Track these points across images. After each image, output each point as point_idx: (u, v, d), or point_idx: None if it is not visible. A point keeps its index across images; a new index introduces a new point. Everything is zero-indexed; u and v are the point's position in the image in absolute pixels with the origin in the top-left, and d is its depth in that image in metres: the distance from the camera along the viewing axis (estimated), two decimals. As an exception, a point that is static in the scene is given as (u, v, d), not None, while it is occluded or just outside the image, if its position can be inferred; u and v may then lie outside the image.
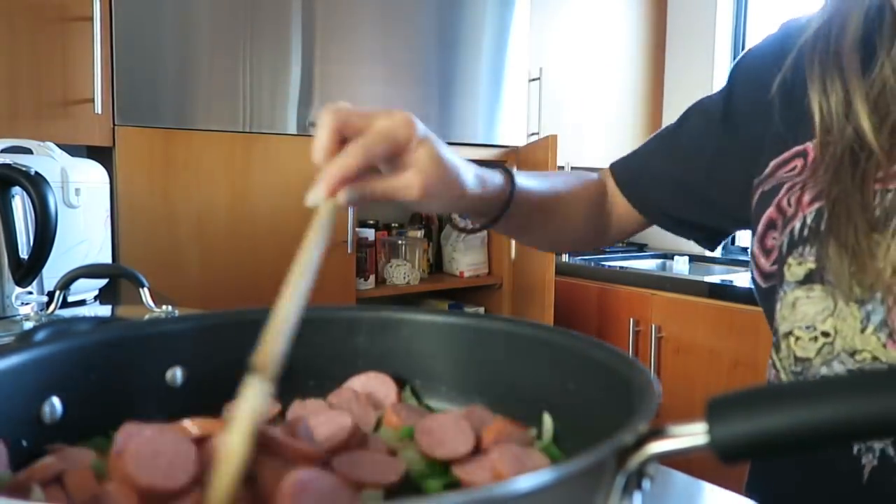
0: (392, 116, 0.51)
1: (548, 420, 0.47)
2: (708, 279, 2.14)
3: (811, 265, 0.55)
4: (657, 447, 0.31)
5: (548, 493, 0.27)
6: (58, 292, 0.90)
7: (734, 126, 0.69)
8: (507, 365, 0.50)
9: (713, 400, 0.33)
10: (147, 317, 0.88)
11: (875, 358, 0.51)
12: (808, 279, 0.55)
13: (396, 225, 2.33)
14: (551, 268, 2.22)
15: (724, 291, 2.04)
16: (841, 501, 0.58)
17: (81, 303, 1.18)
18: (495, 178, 0.64)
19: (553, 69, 2.43)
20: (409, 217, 2.43)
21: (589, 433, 0.37)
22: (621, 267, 2.43)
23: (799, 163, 0.60)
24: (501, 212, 0.65)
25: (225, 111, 1.74)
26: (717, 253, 2.63)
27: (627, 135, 2.74)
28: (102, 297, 1.28)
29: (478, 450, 0.43)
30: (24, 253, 0.97)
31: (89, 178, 1.21)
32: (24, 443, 0.41)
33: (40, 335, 0.47)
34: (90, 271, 0.99)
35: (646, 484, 0.32)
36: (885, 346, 0.51)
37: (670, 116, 2.81)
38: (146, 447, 0.35)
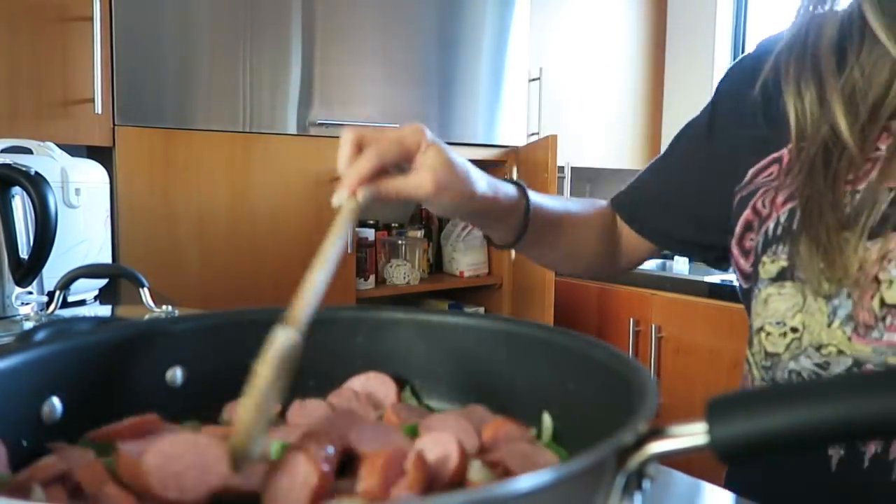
0: (405, 127, 0.56)
1: (547, 419, 0.47)
2: (708, 279, 2.14)
3: (783, 263, 0.58)
4: (657, 447, 0.31)
5: (548, 492, 0.27)
6: (58, 292, 0.90)
7: (719, 137, 0.72)
8: (507, 365, 0.50)
9: (713, 400, 0.33)
10: (147, 317, 0.88)
11: (840, 352, 0.54)
12: (780, 276, 0.58)
13: (396, 225, 2.33)
14: (551, 268, 2.22)
15: (723, 291, 2.04)
16: (809, 490, 0.59)
17: (81, 303, 1.18)
18: (507, 187, 0.67)
19: (553, 69, 2.43)
20: (409, 217, 2.43)
21: (589, 433, 0.37)
22: (621, 267, 2.43)
23: (775, 169, 0.63)
24: (524, 221, 0.68)
25: (225, 111, 1.74)
26: (717, 253, 2.62)
27: (627, 135, 2.74)
28: (102, 297, 1.28)
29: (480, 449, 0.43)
30: (24, 253, 0.97)
31: (89, 178, 1.21)
32: (24, 443, 0.41)
33: (40, 335, 0.47)
34: (90, 271, 0.99)
35: (646, 484, 0.32)
36: (850, 339, 0.53)
37: (670, 116, 2.82)
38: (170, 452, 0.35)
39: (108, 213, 1.25)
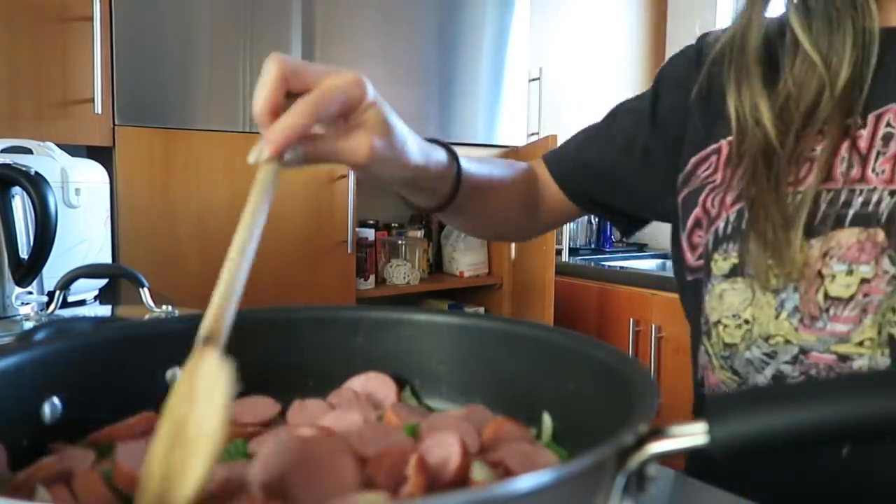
0: (342, 75, 0.48)
1: (547, 419, 0.47)
2: (708, 279, 2.14)
3: (734, 260, 0.61)
4: (657, 447, 0.32)
5: (548, 493, 0.27)
6: (58, 292, 0.90)
7: (660, 125, 0.75)
8: (507, 365, 0.50)
9: (713, 400, 0.33)
10: (147, 317, 0.88)
11: (787, 341, 0.57)
12: (732, 273, 0.61)
13: (396, 225, 2.33)
14: (551, 268, 2.22)
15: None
16: (782, 477, 0.60)
17: (81, 303, 1.18)
18: (439, 153, 0.62)
19: (553, 69, 2.43)
20: (409, 217, 2.43)
21: (589, 433, 0.37)
22: (621, 267, 2.43)
23: (714, 159, 0.66)
24: (453, 190, 0.64)
25: (225, 111, 1.74)
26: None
27: (627, 135, 2.73)
28: (102, 297, 1.28)
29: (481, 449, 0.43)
30: (24, 253, 0.97)
31: (89, 178, 1.21)
32: (25, 443, 0.41)
33: (40, 335, 0.47)
34: (90, 271, 0.99)
35: (646, 484, 0.32)
36: (796, 329, 0.57)
37: (670, 116, 2.81)
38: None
39: (108, 213, 1.25)
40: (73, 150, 1.30)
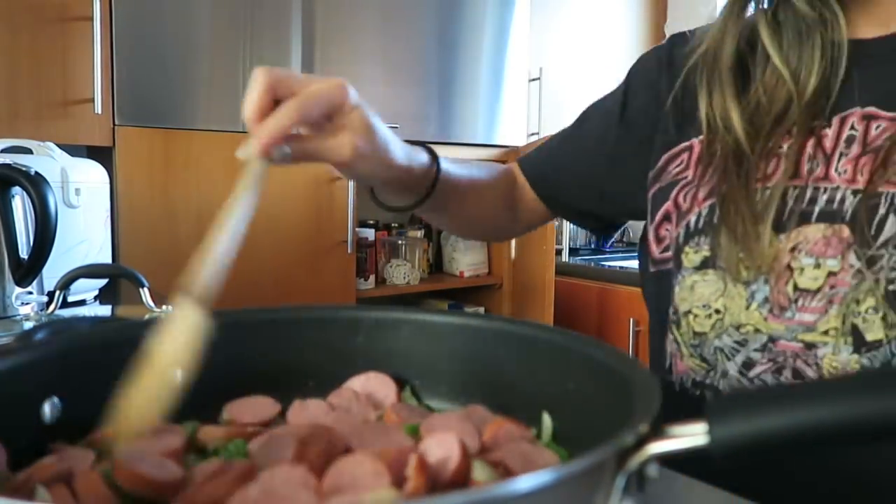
0: (326, 81, 0.52)
1: (547, 420, 0.47)
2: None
3: (706, 253, 0.63)
4: (657, 447, 0.32)
5: (548, 493, 0.27)
6: (58, 292, 0.90)
7: (630, 124, 0.77)
8: (507, 365, 0.50)
9: (713, 400, 0.33)
10: (147, 317, 0.88)
11: (757, 330, 0.60)
12: (703, 265, 0.63)
13: (396, 225, 2.33)
14: (551, 268, 2.22)
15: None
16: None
17: (81, 303, 1.18)
18: (421, 155, 0.66)
19: (553, 69, 2.43)
20: (409, 217, 2.43)
21: (589, 433, 0.37)
22: (621, 267, 2.43)
23: (686, 156, 0.69)
24: (429, 190, 0.67)
25: (225, 111, 1.74)
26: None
27: (627, 135, 2.73)
28: (102, 297, 1.28)
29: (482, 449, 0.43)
30: (24, 253, 0.97)
31: (89, 178, 1.21)
32: (24, 443, 0.41)
33: (40, 335, 0.47)
34: (90, 271, 0.99)
35: (646, 484, 0.32)
36: (766, 319, 0.60)
37: (670, 116, 2.82)
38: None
39: (108, 213, 1.25)
40: (73, 150, 1.30)
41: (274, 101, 0.49)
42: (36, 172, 0.95)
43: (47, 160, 1.14)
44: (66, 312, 0.99)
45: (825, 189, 0.60)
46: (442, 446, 0.38)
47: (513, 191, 0.84)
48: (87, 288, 1.19)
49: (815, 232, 0.59)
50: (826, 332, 0.57)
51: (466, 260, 2.34)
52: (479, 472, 0.38)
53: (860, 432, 0.32)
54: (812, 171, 0.60)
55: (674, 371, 0.68)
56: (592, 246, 2.84)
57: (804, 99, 0.62)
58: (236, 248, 0.45)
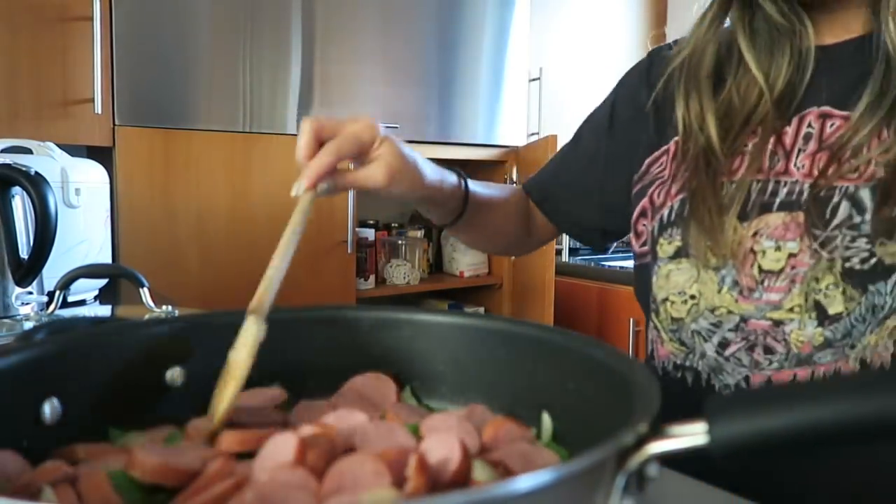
0: (358, 121, 0.61)
1: (546, 419, 0.47)
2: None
3: (678, 243, 0.69)
4: (657, 447, 0.32)
5: (548, 493, 0.27)
6: (58, 292, 0.90)
7: (618, 135, 0.82)
8: (507, 365, 0.50)
9: (712, 400, 0.33)
10: (147, 317, 0.88)
11: (730, 311, 0.65)
12: (676, 255, 0.69)
13: (396, 225, 2.33)
14: (551, 268, 2.22)
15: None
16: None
17: (81, 303, 1.18)
18: (450, 175, 0.74)
19: (553, 69, 2.43)
20: (409, 217, 2.44)
21: (589, 433, 0.37)
22: (621, 267, 2.43)
23: (665, 158, 0.74)
24: (462, 207, 0.76)
25: (225, 111, 1.74)
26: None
27: (627, 135, 2.73)
28: (102, 297, 1.28)
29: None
30: (24, 253, 0.97)
31: (89, 178, 1.21)
32: (25, 443, 0.41)
33: (40, 335, 0.47)
34: (90, 271, 0.99)
35: (646, 484, 0.32)
36: (736, 300, 0.65)
37: (670, 116, 2.82)
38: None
39: (108, 213, 1.25)
40: (73, 150, 1.30)
41: (319, 144, 0.60)
42: (36, 172, 0.95)
43: (47, 160, 1.14)
44: (66, 312, 0.99)
45: (785, 182, 0.65)
46: (443, 446, 0.38)
47: (526, 210, 0.90)
48: (87, 288, 1.20)
49: (775, 219, 0.64)
50: (791, 309, 0.62)
51: (466, 260, 2.34)
52: (480, 471, 0.38)
53: (860, 432, 0.32)
54: (773, 167, 0.66)
55: (656, 357, 0.73)
56: (592, 246, 2.84)
57: (773, 99, 0.67)
58: (287, 268, 0.55)
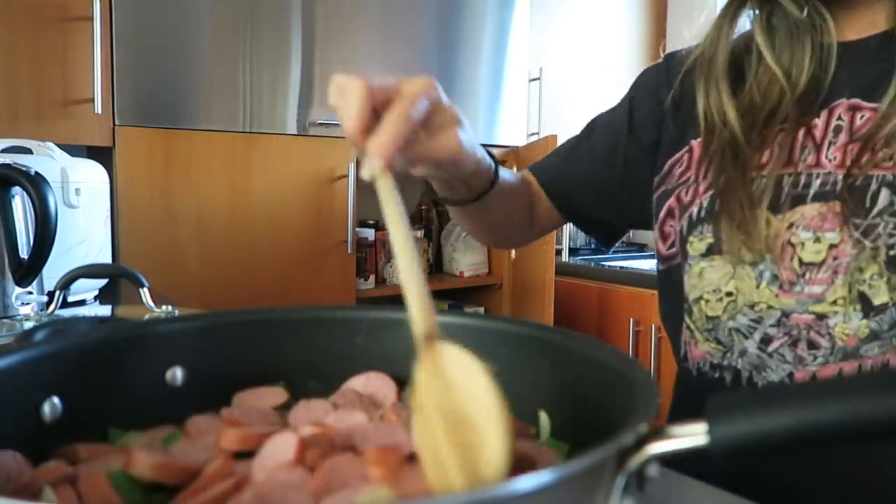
0: (417, 81, 0.49)
1: (544, 417, 0.47)
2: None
3: (710, 240, 0.67)
4: (657, 447, 0.32)
5: (548, 493, 0.27)
6: (58, 292, 0.90)
7: (636, 133, 0.81)
8: (506, 365, 0.50)
9: (713, 400, 0.33)
10: (147, 317, 0.88)
11: (770, 307, 0.64)
12: (709, 252, 0.67)
13: (396, 225, 2.32)
14: (551, 268, 2.22)
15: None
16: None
17: (81, 303, 1.18)
18: (485, 153, 0.66)
19: (553, 69, 2.43)
20: (409, 217, 2.43)
21: (588, 433, 0.37)
22: (621, 267, 2.43)
23: (686, 157, 0.73)
24: (487, 188, 0.70)
25: (225, 111, 1.74)
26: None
27: (627, 135, 2.73)
28: (102, 297, 1.28)
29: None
30: (24, 253, 0.97)
31: (89, 178, 1.21)
32: (25, 443, 0.41)
33: (40, 335, 0.47)
34: (90, 271, 0.99)
35: (646, 484, 0.32)
36: (776, 295, 0.63)
37: (670, 116, 2.81)
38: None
39: (108, 213, 1.25)
40: (73, 150, 1.30)
41: (373, 112, 0.46)
42: (36, 172, 0.95)
43: (47, 160, 1.14)
44: (66, 312, 0.99)
45: (818, 174, 0.64)
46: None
47: (531, 197, 0.87)
48: (87, 288, 1.19)
49: (810, 210, 0.63)
50: (835, 302, 0.61)
51: (466, 260, 2.34)
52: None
53: (860, 432, 0.32)
54: (804, 159, 0.65)
55: (689, 358, 0.71)
56: (592, 246, 2.84)
57: (795, 95, 0.67)
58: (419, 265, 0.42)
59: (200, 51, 1.70)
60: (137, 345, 0.50)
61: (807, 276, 0.62)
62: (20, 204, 0.98)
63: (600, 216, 0.87)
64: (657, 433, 0.32)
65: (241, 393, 0.51)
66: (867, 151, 0.61)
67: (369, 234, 2.12)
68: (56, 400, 0.44)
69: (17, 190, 0.97)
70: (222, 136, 1.73)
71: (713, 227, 0.67)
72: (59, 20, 1.52)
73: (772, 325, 0.63)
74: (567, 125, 2.51)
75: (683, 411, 0.74)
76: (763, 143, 0.67)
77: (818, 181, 0.63)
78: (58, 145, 1.20)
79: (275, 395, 0.51)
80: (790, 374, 0.63)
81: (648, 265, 2.67)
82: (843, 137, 0.64)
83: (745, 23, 0.74)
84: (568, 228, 2.64)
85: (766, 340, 0.64)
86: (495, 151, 2.24)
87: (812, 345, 0.61)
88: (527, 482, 0.26)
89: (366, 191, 2.13)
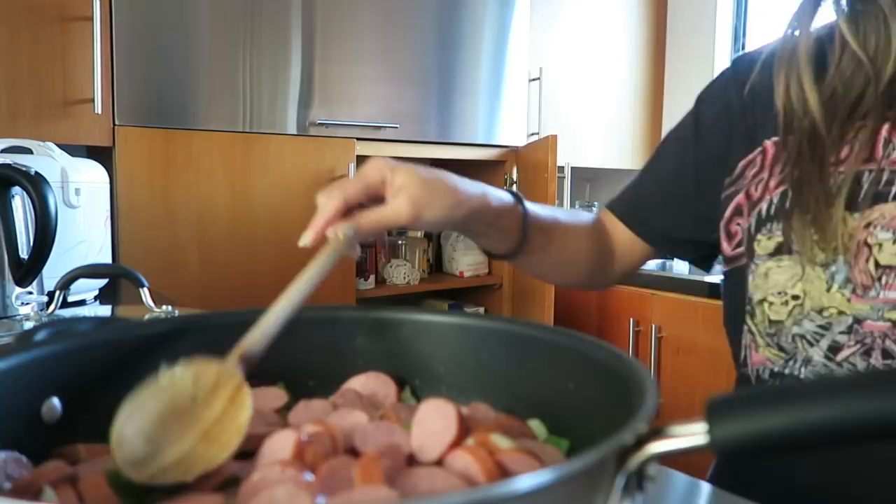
0: (363, 168, 0.58)
1: (537, 424, 0.47)
2: (707, 279, 2.14)
3: (779, 239, 0.64)
4: (657, 447, 0.31)
5: (548, 493, 0.27)
6: (58, 292, 0.90)
7: (705, 142, 0.78)
8: (507, 365, 0.50)
9: (713, 400, 0.33)
10: (147, 317, 0.88)
11: (841, 312, 0.60)
12: (777, 251, 0.64)
13: (396, 225, 2.32)
14: (551, 268, 2.22)
15: (724, 291, 2.03)
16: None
17: (81, 303, 1.18)
18: (499, 191, 0.67)
19: (553, 69, 2.43)
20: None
21: (588, 433, 0.37)
22: (621, 267, 2.43)
23: (759, 158, 0.70)
24: (522, 230, 0.70)
25: (225, 111, 1.74)
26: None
27: (627, 135, 2.74)
28: (102, 297, 1.28)
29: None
30: (24, 253, 0.97)
31: (89, 178, 1.21)
32: (25, 443, 0.41)
33: (40, 335, 0.47)
34: (90, 271, 0.99)
35: (646, 484, 0.32)
36: (849, 300, 0.59)
37: (670, 116, 2.82)
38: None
39: (108, 213, 1.25)
40: (73, 150, 1.30)
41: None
42: (36, 172, 0.95)
43: (47, 160, 1.14)
44: (66, 312, 0.99)
45: None
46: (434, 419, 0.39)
47: (603, 237, 0.84)
48: (87, 288, 1.20)
49: (891, 209, 0.58)
50: None
51: (466, 260, 2.34)
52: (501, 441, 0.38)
53: (860, 432, 0.32)
54: (888, 155, 0.60)
55: (749, 363, 0.68)
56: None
57: (881, 85, 0.62)
58: (288, 317, 0.49)
59: (200, 51, 1.70)
60: (137, 345, 0.50)
61: (883, 279, 0.58)
62: (20, 204, 0.98)
63: (683, 234, 0.81)
64: (657, 433, 0.32)
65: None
66: None
67: (369, 234, 2.12)
68: (56, 400, 0.44)
69: (17, 190, 0.97)
70: (222, 136, 1.73)
71: (783, 224, 0.63)
72: (59, 20, 1.52)
73: (842, 333, 0.60)
74: (567, 125, 2.52)
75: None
76: (843, 136, 0.63)
77: None
78: (58, 145, 1.20)
79: (275, 395, 0.51)
80: None
81: (648, 265, 2.66)
82: None
83: (827, 14, 0.69)
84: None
85: (834, 349, 0.60)
86: (495, 151, 2.25)
87: (887, 354, 0.57)
88: (526, 482, 0.26)
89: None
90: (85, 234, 1.18)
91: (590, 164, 2.60)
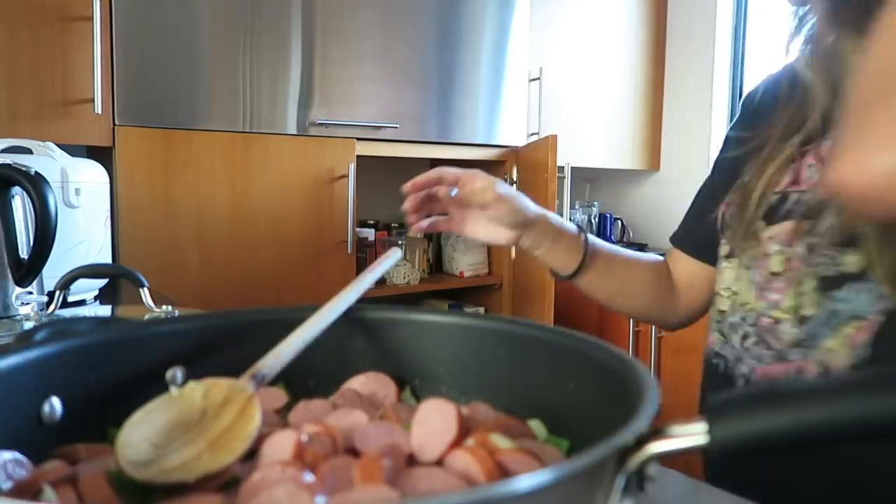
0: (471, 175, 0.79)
1: (537, 424, 0.47)
2: (708, 279, 2.14)
3: (727, 245, 0.76)
4: (657, 447, 0.32)
5: (548, 492, 0.27)
6: (58, 292, 0.90)
7: (746, 144, 0.80)
8: (507, 365, 0.50)
9: (713, 400, 0.33)
10: (147, 317, 0.88)
11: (752, 308, 0.72)
12: (729, 254, 0.76)
13: (396, 225, 2.33)
14: (551, 268, 2.22)
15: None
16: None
17: (81, 303, 1.18)
18: (566, 223, 0.84)
19: (553, 69, 2.43)
20: (409, 217, 2.43)
21: (589, 433, 0.37)
22: (621, 267, 2.43)
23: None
24: (585, 251, 0.84)
25: (225, 111, 1.74)
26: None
27: (627, 135, 2.74)
28: (102, 297, 1.28)
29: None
30: (24, 253, 0.97)
31: (89, 178, 1.21)
32: (25, 443, 0.41)
33: (40, 335, 0.47)
34: (90, 271, 0.99)
35: (646, 484, 0.32)
36: (756, 299, 0.71)
37: (670, 116, 2.82)
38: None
39: (108, 213, 1.25)
40: (73, 150, 1.30)
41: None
42: (36, 172, 0.95)
43: (47, 160, 1.14)
44: (66, 312, 0.99)
45: (804, 192, 0.69)
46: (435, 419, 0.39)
47: (666, 274, 0.90)
48: (87, 288, 1.19)
49: (787, 226, 0.69)
50: (784, 310, 0.68)
51: (466, 260, 2.34)
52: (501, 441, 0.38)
53: (860, 432, 0.32)
54: (810, 178, 0.69)
55: (707, 343, 0.80)
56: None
57: (818, 118, 0.69)
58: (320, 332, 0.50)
59: (200, 51, 1.70)
60: (138, 345, 0.50)
61: (773, 284, 0.70)
62: (20, 204, 0.98)
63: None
64: (657, 433, 0.32)
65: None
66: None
67: (369, 234, 2.12)
68: (56, 400, 0.44)
69: (17, 190, 0.97)
70: (222, 136, 1.73)
71: (728, 232, 0.75)
72: (59, 20, 1.52)
73: (750, 325, 0.72)
74: (567, 125, 2.52)
75: (703, 392, 0.84)
76: (786, 159, 0.71)
77: (804, 198, 0.68)
78: (58, 145, 1.20)
79: (275, 395, 0.51)
80: (752, 369, 0.71)
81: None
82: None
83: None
84: (568, 228, 2.63)
85: (745, 337, 0.72)
86: (495, 151, 2.25)
87: (768, 345, 0.69)
88: (526, 482, 0.26)
89: (366, 191, 2.14)
90: (85, 234, 1.18)
91: (590, 164, 2.60)
